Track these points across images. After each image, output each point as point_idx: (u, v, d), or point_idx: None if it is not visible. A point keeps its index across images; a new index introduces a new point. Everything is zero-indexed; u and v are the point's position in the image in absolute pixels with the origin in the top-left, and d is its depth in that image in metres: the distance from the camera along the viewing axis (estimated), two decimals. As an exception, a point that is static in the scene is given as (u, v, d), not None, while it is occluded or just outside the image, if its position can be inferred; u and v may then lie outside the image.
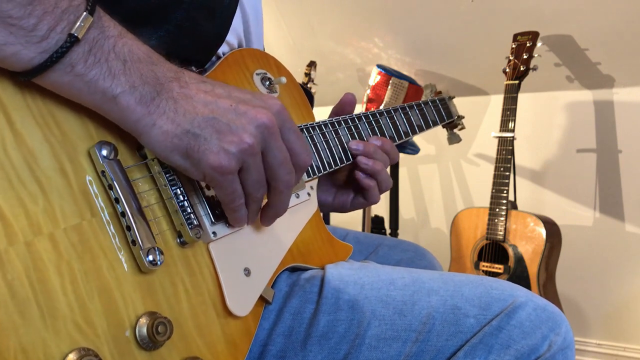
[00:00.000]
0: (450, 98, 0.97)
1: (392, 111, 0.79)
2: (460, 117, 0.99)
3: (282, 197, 0.50)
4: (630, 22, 1.65)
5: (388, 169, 0.80)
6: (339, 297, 0.57)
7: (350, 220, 2.43)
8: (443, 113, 0.92)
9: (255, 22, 0.69)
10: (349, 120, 0.71)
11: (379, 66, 1.81)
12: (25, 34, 0.36)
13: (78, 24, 0.38)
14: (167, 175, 0.47)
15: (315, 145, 0.66)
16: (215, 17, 0.58)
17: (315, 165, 0.65)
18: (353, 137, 0.71)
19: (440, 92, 0.98)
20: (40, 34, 0.37)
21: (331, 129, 0.69)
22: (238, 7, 0.63)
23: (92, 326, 0.39)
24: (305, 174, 0.64)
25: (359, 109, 1.85)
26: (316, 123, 0.68)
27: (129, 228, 0.42)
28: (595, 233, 1.93)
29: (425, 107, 0.86)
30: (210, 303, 0.48)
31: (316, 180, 0.67)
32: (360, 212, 2.14)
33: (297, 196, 0.63)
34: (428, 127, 0.87)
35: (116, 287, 0.41)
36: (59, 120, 0.41)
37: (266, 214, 0.52)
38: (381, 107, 1.77)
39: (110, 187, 0.42)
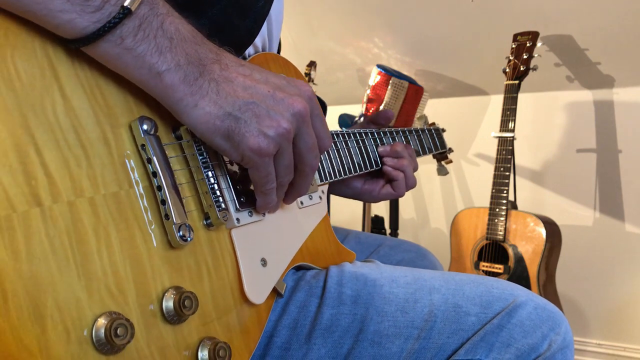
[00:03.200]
0: (443, 130, 1.05)
1: (394, 132, 0.86)
2: (450, 150, 1.07)
3: (307, 178, 0.53)
4: (630, 22, 1.65)
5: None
6: (342, 292, 0.58)
7: (350, 221, 2.44)
8: (437, 142, 1.01)
9: (277, 26, 0.72)
10: (357, 134, 0.78)
11: (379, 66, 1.81)
12: (81, 2, 0.37)
13: None
14: (201, 157, 0.49)
15: (327, 152, 0.71)
16: (248, 17, 0.60)
17: (327, 172, 0.70)
18: (360, 151, 0.77)
19: (433, 124, 1.04)
20: (96, 4, 0.38)
21: (341, 139, 0.74)
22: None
23: (122, 293, 0.39)
24: (317, 178, 0.68)
25: (359, 108, 1.85)
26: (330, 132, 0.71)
27: (163, 202, 0.44)
28: (595, 233, 1.93)
29: (422, 134, 0.95)
30: (229, 287, 0.49)
31: (327, 186, 0.71)
32: (360, 212, 2.15)
33: (311, 198, 0.66)
34: (424, 153, 0.96)
35: (147, 258, 0.42)
36: (105, 92, 0.43)
37: (290, 193, 0.55)
38: (381, 107, 1.77)
39: (149, 160, 0.44)
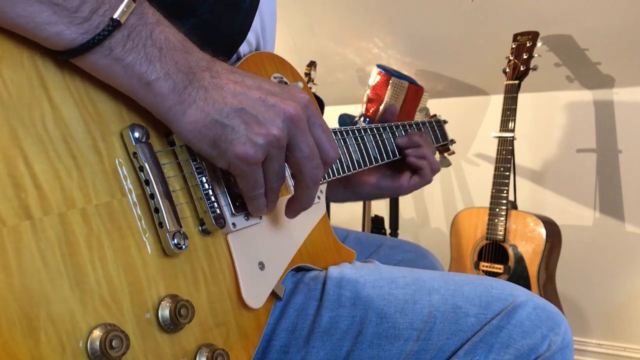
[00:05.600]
0: (444, 122, 1.03)
1: (394, 127, 0.85)
2: (452, 141, 1.05)
3: (309, 191, 0.50)
4: (630, 22, 1.65)
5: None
6: (341, 294, 0.58)
7: (350, 220, 2.44)
8: (439, 134, 1.00)
9: (270, 24, 0.71)
10: (355, 131, 0.76)
11: (379, 66, 1.81)
12: (68, 15, 0.37)
13: (121, 8, 0.39)
14: (194, 163, 0.48)
15: None
16: (239, 13, 0.60)
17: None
18: (359, 148, 0.76)
19: (435, 115, 1.03)
20: (83, 15, 0.37)
21: (340, 137, 0.72)
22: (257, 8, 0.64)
23: (117, 303, 0.39)
24: None
25: (359, 108, 1.85)
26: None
27: (157, 210, 0.43)
28: (595, 233, 1.93)
29: (422, 126, 0.93)
30: (227, 293, 0.48)
31: (325, 185, 0.70)
32: (360, 212, 2.14)
33: None
34: None
35: (141, 267, 0.42)
36: (95, 100, 0.42)
37: (291, 207, 0.53)
38: (381, 107, 1.77)
39: (141, 168, 0.43)
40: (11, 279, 0.33)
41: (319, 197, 0.67)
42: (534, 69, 1.67)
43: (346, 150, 0.73)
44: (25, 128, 0.37)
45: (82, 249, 0.38)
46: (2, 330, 0.32)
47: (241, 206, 0.51)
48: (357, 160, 0.75)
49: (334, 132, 0.72)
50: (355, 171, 0.75)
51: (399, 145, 0.84)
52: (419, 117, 1.02)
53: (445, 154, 1.11)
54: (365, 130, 0.79)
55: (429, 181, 0.84)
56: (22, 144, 0.36)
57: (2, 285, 0.33)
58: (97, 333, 0.36)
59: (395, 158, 0.83)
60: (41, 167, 0.37)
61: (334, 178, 0.71)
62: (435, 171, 0.85)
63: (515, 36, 1.72)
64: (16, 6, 0.35)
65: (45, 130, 0.38)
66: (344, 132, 0.74)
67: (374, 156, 0.78)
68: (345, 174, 0.72)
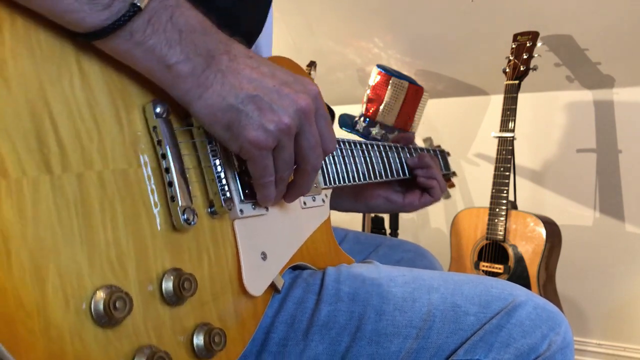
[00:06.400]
0: (448, 154, 1.08)
1: (399, 148, 0.90)
2: (454, 174, 1.10)
3: (309, 178, 0.53)
4: (630, 22, 1.65)
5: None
6: (339, 289, 0.58)
7: (350, 220, 2.44)
8: (441, 163, 1.04)
9: (266, 32, 0.71)
10: (364, 145, 0.80)
11: (379, 66, 1.81)
12: (89, 1, 0.37)
13: None
14: (210, 145, 0.49)
15: (332, 157, 0.72)
16: (258, 5, 0.61)
17: (332, 177, 0.71)
18: (365, 161, 0.79)
19: (439, 146, 1.06)
20: (104, 2, 0.38)
21: (348, 147, 0.76)
22: None
23: (123, 268, 0.40)
24: (322, 181, 0.69)
25: (359, 108, 1.85)
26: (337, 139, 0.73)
27: (170, 184, 0.44)
28: (595, 233, 1.93)
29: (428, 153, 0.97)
30: (228, 277, 0.49)
31: (330, 190, 0.71)
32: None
33: (314, 199, 0.66)
34: None
35: (150, 237, 0.42)
36: (121, 73, 0.43)
37: (291, 192, 0.55)
38: (381, 107, 1.77)
39: (159, 142, 0.44)
40: (25, 228, 0.34)
41: (323, 201, 0.68)
42: (534, 69, 1.67)
43: (353, 161, 0.76)
44: (53, 87, 0.38)
45: (95, 210, 0.39)
46: (12, 274, 0.33)
47: (250, 194, 0.53)
48: (362, 172, 0.77)
49: (342, 142, 0.75)
50: (361, 182, 0.77)
51: (410, 166, 0.89)
52: (423, 145, 1.04)
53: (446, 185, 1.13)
54: (372, 145, 0.81)
55: (437, 200, 0.90)
56: (50, 100, 0.38)
57: (17, 232, 0.34)
58: (100, 294, 0.37)
59: (405, 177, 0.88)
60: (65, 126, 0.38)
61: (339, 185, 0.72)
62: (443, 191, 0.90)
63: (515, 36, 1.72)
64: None
65: (72, 91, 0.39)
66: (352, 144, 0.77)
67: (378, 171, 0.81)
68: (351, 183, 0.75)
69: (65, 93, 0.39)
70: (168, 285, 0.42)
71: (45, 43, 0.38)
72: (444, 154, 1.05)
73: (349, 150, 0.75)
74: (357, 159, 0.76)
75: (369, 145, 0.80)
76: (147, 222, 0.42)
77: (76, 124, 0.39)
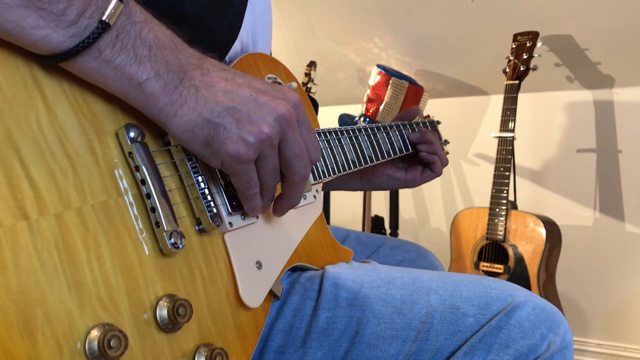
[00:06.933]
0: (438, 122, 1.06)
1: (387, 127, 0.87)
2: (446, 142, 1.08)
3: (297, 188, 0.51)
4: (630, 22, 1.65)
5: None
6: (337, 294, 0.57)
7: (350, 220, 2.44)
8: (438, 134, 1.02)
9: (264, 21, 0.70)
10: (350, 131, 0.77)
11: (379, 66, 1.81)
12: (54, 18, 0.36)
13: (109, 10, 0.38)
14: (190, 162, 0.48)
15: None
16: (229, 13, 0.59)
17: (321, 170, 0.68)
18: (354, 148, 0.77)
19: (428, 116, 1.05)
20: (70, 18, 0.37)
21: (334, 137, 0.72)
22: (247, 11, 0.63)
23: (115, 303, 0.39)
24: (311, 177, 0.66)
25: (359, 108, 1.85)
26: (321, 130, 0.71)
27: (153, 210, 0.43)
28: (595, 233, 1.93)
29: (416, 126, 0.95)
30: (224, 292, 0.48)
31: (321, 185, 0.70)
32: (360, 212, 2.14)
33: (304, 197, 0.65)
34: None
35: (138, 267, 0.41)
36: (89, 101, 0.42)
37: (280, 204, 0.53)
38: (381, 107, 1.77)
39: (137, 168, 0.43)
40: (8, 280, 0.33)
41: (314, 197, 0.67)
42: (534, 69, 1.67)
43: (341, 150, 0.74)
44: (21, 129, 0.37)
45: (79, 249, 0.38)
46: None
47: (238, 206, 0.51)
48: (352, 160, 0.76)
49: (329, 132, 0.73)
50: (352, 170, 0.75)
51: (412, 141, 0.90)
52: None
53: None
54: (359, 130, 0.79)
55: (439, 174, 0.91)
56: (18, 144, 0.36)
57: None
58: (94, 333, 0.36)
59: (408, 152, 0.90)
60: (37, 168, 0.37)
61: (330, 178, 0.71)
62: (444, 165, 0.91)
63: (515, 36, 1.72)
64: (1, 12, 0.35)
65: (40, 131, 0.38)
66: (338, 132, 0.75)
67: (369, 155, 0.80)
68: (341, 174, 0.73)
69: (33, 134, 0.37)
70: (162, 313, 0.41)
71: (6, 84, 0.37)
72: (433, 124, 1.04)
73: (336, 140, 0.73)
74: (345, 147, 0.74)
75: (356, 131, 0.78)
76: (134, 251, 0.41)
77: (49, 164, 0.38)
